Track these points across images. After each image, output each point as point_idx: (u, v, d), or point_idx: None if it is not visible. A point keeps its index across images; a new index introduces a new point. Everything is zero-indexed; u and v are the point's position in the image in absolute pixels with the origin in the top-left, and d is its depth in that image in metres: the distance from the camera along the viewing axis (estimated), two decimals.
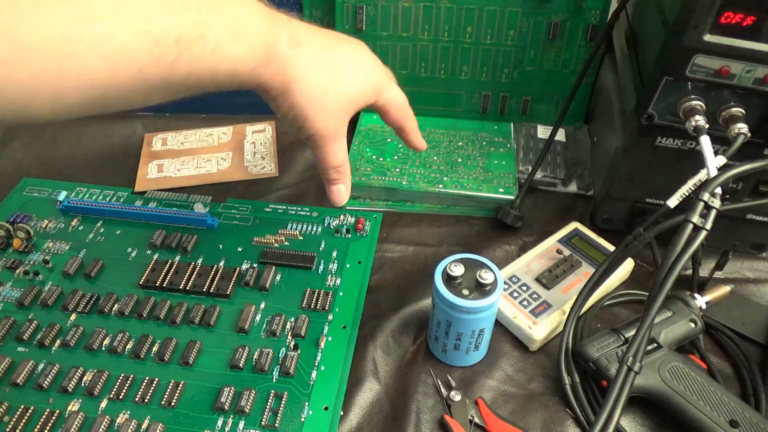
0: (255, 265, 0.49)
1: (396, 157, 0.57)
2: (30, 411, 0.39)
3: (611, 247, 0.49)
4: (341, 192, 0.40)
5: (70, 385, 0.41)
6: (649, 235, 0.41)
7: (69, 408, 0.40)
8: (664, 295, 0.36)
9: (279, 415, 0.39)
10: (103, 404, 0.40)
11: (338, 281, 0.48)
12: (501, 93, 0.61)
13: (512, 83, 0.61)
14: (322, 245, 0.51)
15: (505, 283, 0.46)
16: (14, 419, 0.39)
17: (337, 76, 0.36)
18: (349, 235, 0.52)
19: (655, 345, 0.40)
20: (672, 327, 0.41)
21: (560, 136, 0.61)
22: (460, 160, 0.57)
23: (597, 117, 0.60)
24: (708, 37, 0.38)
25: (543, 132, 0.61)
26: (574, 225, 0.52)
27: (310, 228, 0.52)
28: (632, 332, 0.40)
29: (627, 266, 0.48)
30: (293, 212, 0.54)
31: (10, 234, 0.51)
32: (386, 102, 0.40)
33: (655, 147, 0.45)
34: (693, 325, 0.41)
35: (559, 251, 0.49)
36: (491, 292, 0.39)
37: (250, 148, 0.62)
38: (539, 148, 0.59)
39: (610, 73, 0.56)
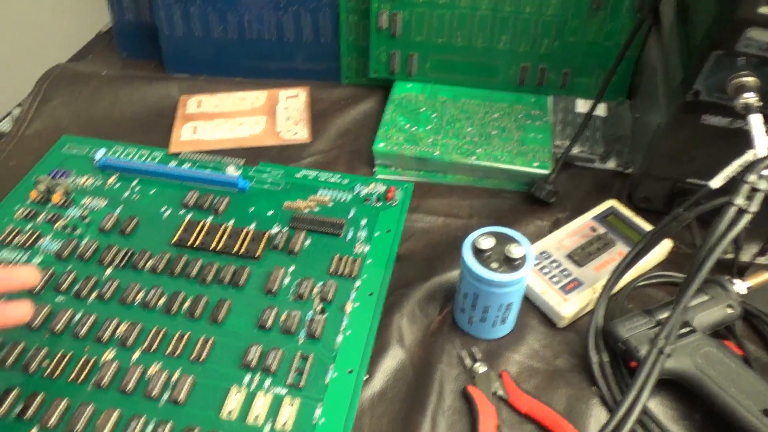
0: (285, 229, 0.49)
1: (429, 127, 0.57)
2: (67, 357, 0.41)
3: (648, 227, 0.48)
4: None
5: (105, 335, 0.42)
6: (689, 215, 0.40)
7: (104, 357, 0.41)
8: (701, 279, 0.35)
9: (304, 375, 0.40)
10: (136, 355, 0.41)
11: (366, 249, 0.48)
12: (540, 65, 0.59)
13: (552, 54, 0.59)
14: (352, 212, 0.51)
15: (535, 258, 0.45)
16: (52, 365, 0.41)
17: None
18: (379, 204, 0.52)
19: (689, 329, 0.39)
20: (708, 311, 0.40)
21: (601, 110, 0.59)
22: (494, 132, 0.56)
23: (640, 92, 0.58)
24: (764, 9, 0.35)
25: (583, 106, 0.59)
26: (610, 203, 0.50)
27: (340, 195, 0.52)
28: (665, 314, 0.39)
29: (664, 247, 0.47)
30: (324, 179, 0.54)
31: (50, 189, 0.52)
32: None
33: (700, 125, 0.43)
34: (730, 310, 0.40)
35: (593, 228, 0.48)
36: (520, 266, 0.38)
37: (283, 114, 0.62)
38: (577, 122, 0.58)
39: (656, 46, 0.53)
